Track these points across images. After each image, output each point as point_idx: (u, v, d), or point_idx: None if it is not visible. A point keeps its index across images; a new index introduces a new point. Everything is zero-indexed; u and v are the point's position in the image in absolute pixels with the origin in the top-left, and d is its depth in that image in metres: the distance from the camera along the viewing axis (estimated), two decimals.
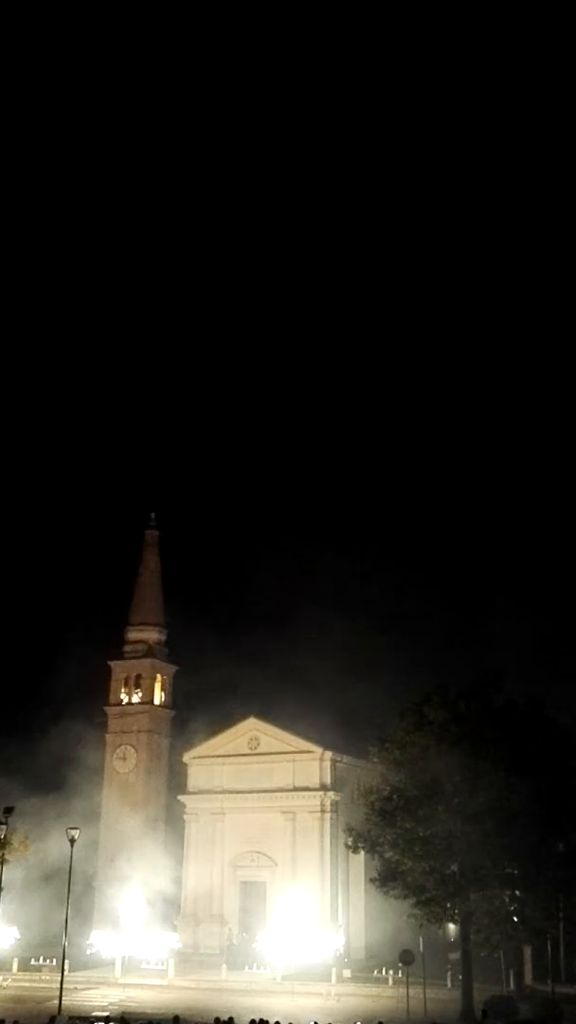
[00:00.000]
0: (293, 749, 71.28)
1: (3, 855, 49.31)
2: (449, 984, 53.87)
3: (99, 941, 64.85)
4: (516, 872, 45.70)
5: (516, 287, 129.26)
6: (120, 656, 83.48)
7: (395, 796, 47.72)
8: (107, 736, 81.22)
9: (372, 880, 50.97)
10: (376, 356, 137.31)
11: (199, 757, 75.09)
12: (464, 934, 47.69)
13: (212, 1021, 33.99)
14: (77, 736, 73.59)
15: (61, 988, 44.83)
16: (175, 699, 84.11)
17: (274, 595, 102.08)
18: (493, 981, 51.75)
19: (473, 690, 48.10)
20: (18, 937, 59.71)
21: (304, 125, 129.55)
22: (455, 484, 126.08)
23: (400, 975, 50.60)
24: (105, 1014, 41.94)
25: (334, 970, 56.74)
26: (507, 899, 45.98)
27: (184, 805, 74.77)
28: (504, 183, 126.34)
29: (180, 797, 75.34)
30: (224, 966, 59.63)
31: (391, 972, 56.49)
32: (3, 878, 47.77)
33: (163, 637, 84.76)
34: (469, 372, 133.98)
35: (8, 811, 47.58)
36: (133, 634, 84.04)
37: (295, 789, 70.36)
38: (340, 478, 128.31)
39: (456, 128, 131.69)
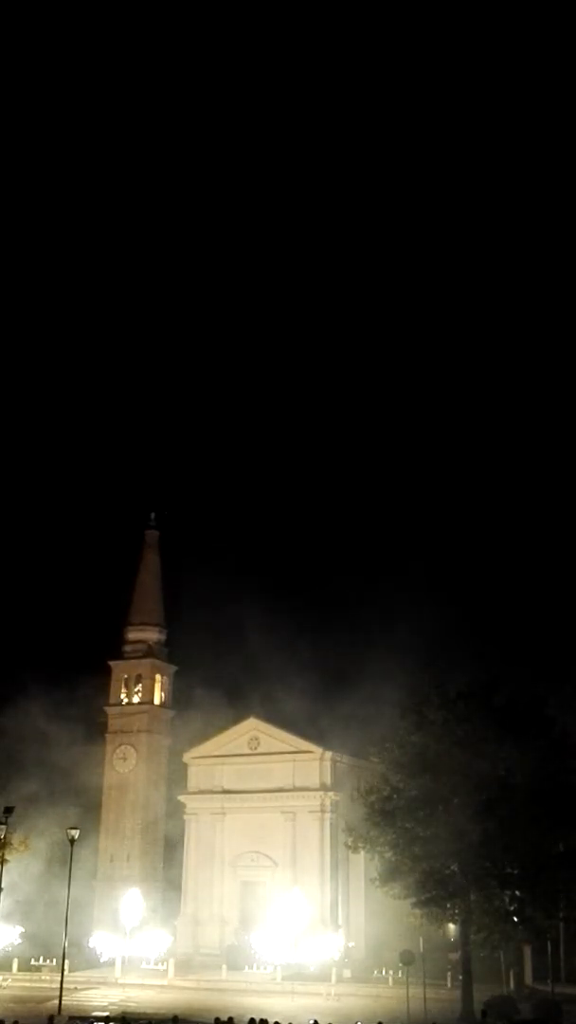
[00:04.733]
0: (293, 749, 71.27)
1: (3, 855, 49.29)
2: (449, 984, 53.81)
3: (99, 941, 64.82)
4: (516, 872, 45.67)
5: (517, 290, 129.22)
6: (120, 656, 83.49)
7: (395, 796, 47.73)
8: (107, 736, 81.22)
9: (372, 880, 50.93)
10: (374, 356, 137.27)
11: (199, 757, 75.04)
12: (464, 934, 47.67)
13: (212, 1021, 34.01)
14: (77, 736, 73.63)
15: (61, 988, 44.85)
16: (175, 699, 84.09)
17: (274, 594, 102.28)
18: (493, 981, 51.68)
19: (473, 690, 48.09)
20: (19, 939, 59.65)
21: (304, 124, 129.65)
22: (455, 480, 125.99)
23: (400, 975, 50.50)
24: (105, 1014, 41.98)
25: (334, 970, 56.71)
26: (507, 899, 45.92)
27: (184, 805, 74.74)
28: (504, 182, 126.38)
29: (180, 797, 75.29)
30: (224, 966, 59.66)
31: (391, 972, 56.46)
32: (3, 878, 47.76)
33: (163, 637, 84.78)
34: (472, 370, 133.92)
35: (8, 811, 47.50)
36: (133, 634, 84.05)
37: (295, 789, 70.34)
38: (339, 477, 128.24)
39: (456, 127, 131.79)
